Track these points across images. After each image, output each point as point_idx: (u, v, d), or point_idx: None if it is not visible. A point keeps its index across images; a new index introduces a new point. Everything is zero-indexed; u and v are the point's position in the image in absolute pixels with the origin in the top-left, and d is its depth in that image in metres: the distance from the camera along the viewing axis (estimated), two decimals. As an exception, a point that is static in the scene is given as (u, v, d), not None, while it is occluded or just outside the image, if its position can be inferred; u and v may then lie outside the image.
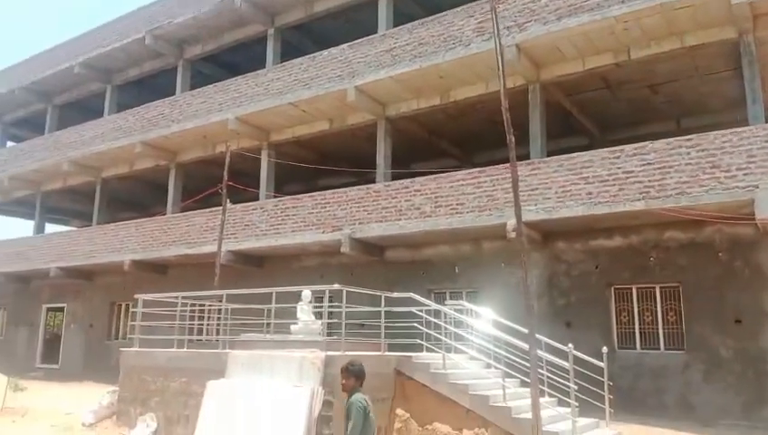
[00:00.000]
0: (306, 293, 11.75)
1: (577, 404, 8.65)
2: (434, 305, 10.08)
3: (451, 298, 14.39)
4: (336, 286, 9.03)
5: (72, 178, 23.12)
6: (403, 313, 10.02)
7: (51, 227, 28.58)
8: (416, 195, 13.79)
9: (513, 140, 7.75)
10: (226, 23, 19.07)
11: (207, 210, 17.75)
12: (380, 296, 9.79)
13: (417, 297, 9.99)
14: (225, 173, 14.68)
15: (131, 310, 11.67)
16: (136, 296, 11.36)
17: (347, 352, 8.93)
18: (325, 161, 19.15)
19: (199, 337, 15.40)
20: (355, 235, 14.50)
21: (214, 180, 20.04)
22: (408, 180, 14.08)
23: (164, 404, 10.12)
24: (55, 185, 23.99)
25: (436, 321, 9.88)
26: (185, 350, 10.50)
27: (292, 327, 11.56)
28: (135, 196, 24.46)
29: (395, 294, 10.14)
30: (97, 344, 21.45)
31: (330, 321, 9.37)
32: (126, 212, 25.62)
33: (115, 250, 19.64)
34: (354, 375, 5.36)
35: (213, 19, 18.91)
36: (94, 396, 14.60)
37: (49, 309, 24.15)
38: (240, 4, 17.71)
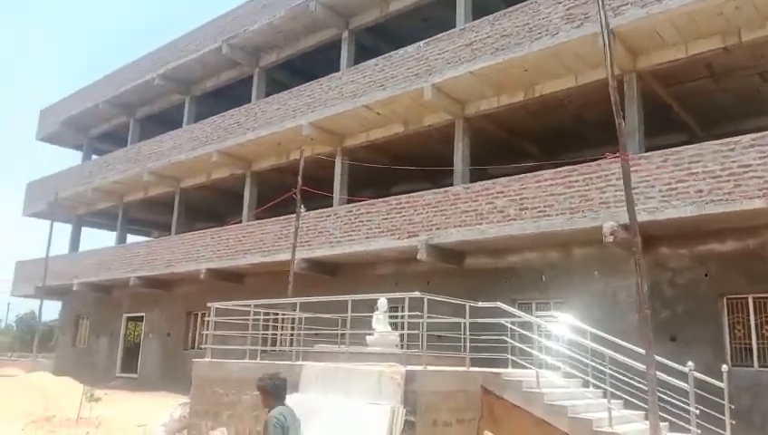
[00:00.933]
0: (382, 301, 11.02)
1: (699, 432, 7.43)
2: (525, 316, 9.08)
3: (537, 309, 13.35)
4: (416, 294, 8.23)
5: (153, 188, 23.50)
6: (486, 324, 9.09)
7: (132, 238, 29.33)
8: (498, 197, 12.83)
9: (623, 123, 6.73)
10: (301, 27, 18.81)
11: (282, 218, 17.39)
12: (463, 306, 8.91)
13: (505, 307, 9.05)
14: (300, 178, 14.21)
15: (206, 319, 11.30)
16: (208, 305, 10.94)
17: (429, 367, 8.11)
18: (399, 166, 18.51)
19: (273, 348, 14.93)
20: (432, 241, 13.67)
21: (287, 188, 19.80)
22: (490, 181, 13.14)
23: (236, 419, 9.58)
24: (137, 196, 24.48)
25: (526, 333, 8.89)
26: (256, 361, 9.94)
27: (368, 338, 10.84)
28: (211, 205, 24.60)
29: (480, 304, 9.22)
30: (174, 354, 21.53)
31: (409, 332, 8.53)
32: (203, 222, 25.79)
33: (192, 259, 19.64)
34: (264, 391, 4.86)
35: (288, 23, 18.68)
36: (168, 407, 14.44)
37: (129, 319, 24.58)
38: (315, 8, 17.39)
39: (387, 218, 14.71)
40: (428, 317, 8.22)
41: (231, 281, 19.58)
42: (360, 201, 15.91)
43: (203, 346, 10.89)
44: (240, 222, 19.52)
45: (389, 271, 15.88)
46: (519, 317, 9.07)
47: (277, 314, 12.60)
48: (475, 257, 14.41)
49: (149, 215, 27.61)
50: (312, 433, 7.57)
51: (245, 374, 9.67)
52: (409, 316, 8.66)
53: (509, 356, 9.05)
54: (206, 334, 10.81)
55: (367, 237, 15.02)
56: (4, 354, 47.36)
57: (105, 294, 24.58)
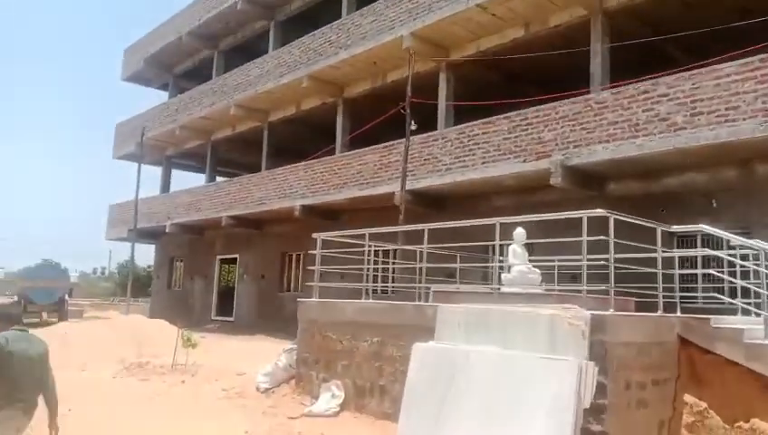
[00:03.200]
0: (520, 232, 8.91)
1: None
2: (751, 242, 6.75)
3: (704, 243, 10.84)
4: (600, 211, 6.08)
5: (240, 123, 22.18)
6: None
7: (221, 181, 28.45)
8: (661, 101, 10.23)
9: None
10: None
11: (381, 146, 15.45)
12: (654, 231, 6.69)
13: (717, 231, 6.72)
14: (408, 89, 12.08)
15: (312, 252, 9.62)
16: (314, 235, 9.25)
17: (618, 312, 6.01)
18: (513, 84, 16.01)
19: (384, 285, 13.17)
20: (569, 161, 11.32)
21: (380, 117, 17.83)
22: (649, 83, 10.51)
23: (353, 370, 7.91)
24: (224, 133, 23.26)
25: (743, 265, 6.58)
26: (378, 301, 8.14)
27: (504, 276, 8.81)
28: (301, 141, 22.90)
29: (675, 228, 6.95)
30: (269, 296, 20.47)
31: (592, 260, 6.27)
32: (292, 160, 24.32)
33: (285, 196, 18.17)
34: None
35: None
36: (267, 353, 13.11)
37: (222, 260, 23.76)
38: None
39: (509, 138, 12.42)
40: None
41: (327, 218, 17.98)
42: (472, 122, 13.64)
43: (308, 284, 9.19)
44: (333, 153, 17.79)
45: (508, 203, 13.60)
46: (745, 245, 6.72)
47: (388, 248, 10.76)
48: (620, 182, 11.95)
49: (237, 155, 26.43)
50: (464, 394, 5.71)
51: (363, 317, 7.95)
52: (592, 242, 6.44)
53: (723, 298, 6.81)
54: (314, 271, 9.10)
55: (483, 162, 12.82)
56: (107, 299, 49.16)
57: (198, 235, 23.80)
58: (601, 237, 6.02)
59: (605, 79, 12.26)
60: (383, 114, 18.18)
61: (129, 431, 7.08)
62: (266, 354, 12.74)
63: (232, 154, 26.23)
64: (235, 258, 22.42)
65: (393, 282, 13.55)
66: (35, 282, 21.25)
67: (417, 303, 7.37)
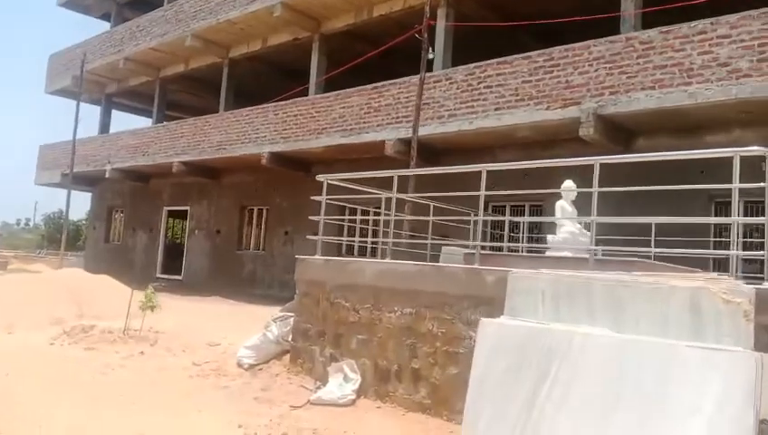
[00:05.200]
0: (569, 184, 7.40)
1: None
2: None
3: (748, 211, 9.68)
4: (756, 149, 4.56)
5: (196, 58, 19.66)
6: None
7: (169, 125, 25.66)
8: (721, 43, 8.79)
9: None
10: None
11: (369, 87, 13.54)
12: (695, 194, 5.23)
13: None
14: (427, 9, 10.18)
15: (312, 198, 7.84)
16: (319, 177, 7.36)
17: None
18: (514, 30, 14.34)
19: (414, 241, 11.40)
20: (604, 110, 9.81)
21: (360, 57, 15.85)
22: (707, 21, 9.02)
23: (373, 347, 6.20)
24: (176, 69, 20.65)
25: None
26: (412, 262, 6.39)
27: (551, 238, 7.30)
28: (265, 84, 20.56)
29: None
30: (225, 254, 18.40)
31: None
32: (253, 105, 22.03)
33: (250, 141, 16.04)
34: None
35: None
36: (235, 319, 11.27)
37: (170, 213, 21.37)
38: None
39: (528, 81, 10.78)
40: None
41: (297, 169, 16.05)
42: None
43: (310, 237, 7.35)
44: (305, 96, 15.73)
45: (516, 157, 12.06)
46: None
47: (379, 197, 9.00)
48: (651, 137, 10.55)
49: (189, 97, 23.82)
50: (568, 391, 4.12)
51: (390, 281, 6.21)
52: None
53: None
54: (318, 221, 7.25)
55: (497, 108, 11.16)
56: (32, 252, 45.51)
57: (143, 183, 21.28)
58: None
59: (637, 22, 10.76)
60: (361, 56, 16.26)
61: (79, 428, 5.17)
62: (234, 320, 10.94)
63: (182, 95, 23.61)
64: (186, 211, 20.11)
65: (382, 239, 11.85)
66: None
67: (472, 267, 5.68)
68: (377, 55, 16.42)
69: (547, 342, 4.55)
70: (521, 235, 11.63)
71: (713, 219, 9.67)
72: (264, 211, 17.73)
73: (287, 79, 19.91)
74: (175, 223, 23.52)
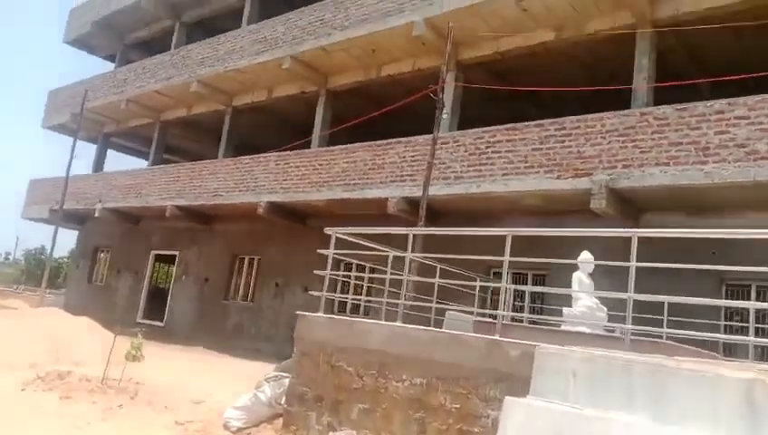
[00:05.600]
0: (587, 256, 7.12)
1: None
2: None
3: (760, 295, 9.46)
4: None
5: (199, 104, 19.57)
6: None
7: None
8: (738, 124, 8.74)
9: None
10: None
11: (375, 143, 13.39)
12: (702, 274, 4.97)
13: None
14: (444, 70, 10.12)
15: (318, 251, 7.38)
16: (327, 231, 7.00)
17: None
18: (516, 99, 14.42)
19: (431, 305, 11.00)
20: (617, 183, 9.65)
21: (364, 116, 15.84)
22: (724, 102, 9.00)
23: (377, 419, 5.73)
24: (178, 113, 20.53)
25: None
26: (425, 328, 5.99)
27: (566, 311, 6.96)
28: (267, 135, 20.48)
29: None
30: (211, 303, 17.79)
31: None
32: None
33: (248, 189, 15.74)
34: None
35: None
36: (223, 374, 10.68)
37: (158, 257, 20.82)
38: None
39: (539, 149, 10.67)
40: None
41: (294, 221, 15.72)
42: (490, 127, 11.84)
43: (313, 292, 6.94)
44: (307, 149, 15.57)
45: (525, 226, 11.84)
46: None
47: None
48: (659, 214, 10.40)
49: (187, 142, 23.69)
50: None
51: (400, 347, 5.80)
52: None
53: None
54: (322, 275, 6.85)
55: (504, 174, 11.00)
56: (10, 287, 44.29)
57: (132, 224, 20.79)
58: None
59: (649, 97, 10.78)
60: (365, 114, 16.27)
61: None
62: (220, 376, 10.35)
63: (181, 140, 23.47)
64: (174, 256, 19.57)
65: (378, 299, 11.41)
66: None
67: (492, 338, 5.30)
68: (380, 114, 16.53)
69: (583, 429, 4.15)
70: (524, 305, 11.28)
71: (747, 303, 9.29)
72: (256, 261, 17.28)
73: (288, 132, 19.82)
74: (160, 267, 22.91)
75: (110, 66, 25.75)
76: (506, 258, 5.59)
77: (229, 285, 17.72)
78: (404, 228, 6.84)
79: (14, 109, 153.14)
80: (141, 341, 8.64)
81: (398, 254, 6.75)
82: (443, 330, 5.66)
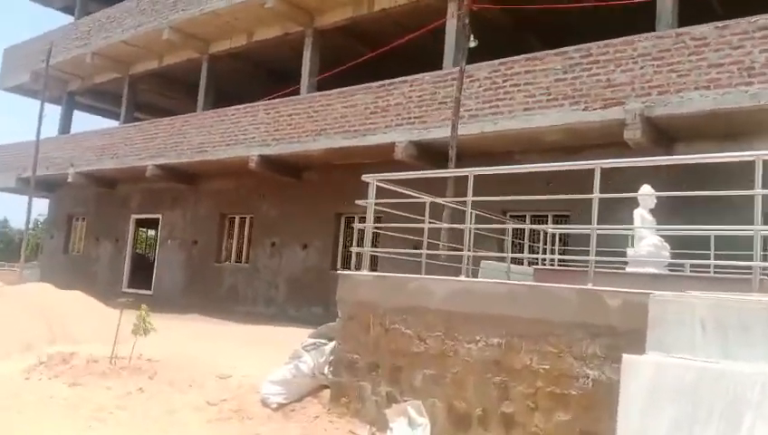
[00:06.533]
0: (647, 189, 6.47)
1: None
2: None
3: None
4: None
5: (172, 54, 18.18)
6: None
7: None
8: (790, 39, 8.05)
9: None
10: None
11: (376, 84, 12.42)
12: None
13: None
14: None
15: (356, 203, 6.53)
16: (366, 178, 6.13)
17: None
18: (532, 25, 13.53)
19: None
20: (653, 111, 8.94)
21: (356, 58, 14.78)
22: (771, 16, 8.27)
23: (447, 385, 5.07)
24: (149, 65, 19.09)
25: None
26: (501, 281, 5.26)
27: (631, 252, 6.33)
28: (248, 86, 19.21)
29: None
30: (202, 267, 16.89)
31: None
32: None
33: (237, 142, 14.68)
34: None
35: None
36: (236, 343, 9.91)
37: (139, 221, 19.70)
38: None
39: (563, 79, 9.86)
40: None
41: (288, 174, 14.78)
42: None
43: (355, 249, 6.12)
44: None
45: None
46: None
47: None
48: (692, 143, 9.73)
49: (161, 98, 22.17)
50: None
51: (469, 304, 5.10)
52: None
53: None
54: (363, 229, 6.03)
55: (525, 109, 10.20)
56: (-26, 261, 42.58)
57: (108, 189, 19.55)
58: None
59: (674, 19, 9.99)
60: (355, 56, 15.22)
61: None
62: (234, 344, 9.61)
63: (153, 96, 21.97)
64: (157, 219, 18.50)
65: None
66: None
67: (587, 288, 4.61)
68: (379, 53, 15.43)
69: (731, 387, 3.51)
70: (545, 247, 10.64)
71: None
72: (248, 220, 16.35)
73: (271, 80, 18.61)
74: (141, 233, 21.83)
75: (65, 18, 23.88)
76: (596, 195, 4.86)
77: (220, 246, 16.81)
78: (464, 169, 6.03)
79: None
80: (146, 312, 7.79)
81: (457, 200, 5.95)
82: (523, 283, 4.96)
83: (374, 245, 12.76)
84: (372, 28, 14.96)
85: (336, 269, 14.24)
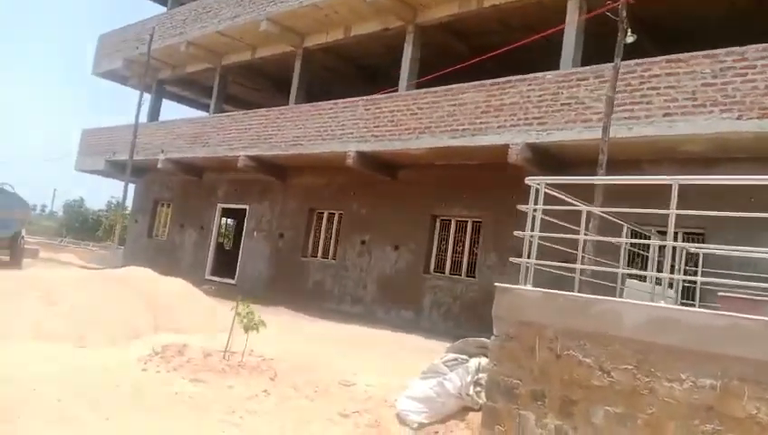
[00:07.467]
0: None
1: None
2: None
3: None
4: None
5: (266, 46, 18.06)
6: None
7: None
8: None
9: None
10: None
11: (489, 82, 11.74)
12: None
13: None
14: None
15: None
16: (529, 181, 5.47)
17: None
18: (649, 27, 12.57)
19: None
20: (823, 124, 7.97)
21: (458, 58, 14.17)
22: None
23: (639, 427, 4.38)
24: (241, 57, 19.02)
25: None
26: (713, 313, 4.53)
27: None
28: (337, 81, 18.95)
29: None
30: (287, 261, 16.62)
31: None
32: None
33: (333, 138, 14.29)
34: None
35: None
36: (343, 342, 9.48)
37: (225, 211, 19.67)
38: None
39: (711, 84, 8.95)
40: None
41: (383, 172, 14.31)
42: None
43: (514, 259, 5.48)
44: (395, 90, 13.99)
45: (674, 174, 10.20)
46: None
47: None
48: None
49: (249, 91, 22.26)
50: None
51: (671, 335, 4.38)
52: None
53: None
54: (525, 237, 5.37)
55: (666, 114, 9.32)
56: (53, 239, 44.13)
57: (195, 177, 19.61)
58: None
59: None
60: (458, 54, 14.64)
61: None
62: (341, 345, 9.16)
63: (240, 89, 22.05)
64: (244, 210, 18.38)
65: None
66: (-14, 210, 16.90)
67: None
68: (469, 55, 14.81)
69: None
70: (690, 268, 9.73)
71: None
72: (337, 216, 15.98)
73: (361, 77, 18.33)
74: (231, 220, 21.87)
75: (160, 10, 24.18)
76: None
77: (307, 241, 16.49)
78: (664, 177, 5.29)
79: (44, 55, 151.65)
80: (249, 305, 7.41)
81: (660, 212, 5.22)
82: (749, 316, 4.24)
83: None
84: (474, 25, 14.37)
85: (429, 273, 13.70)
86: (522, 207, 5.46)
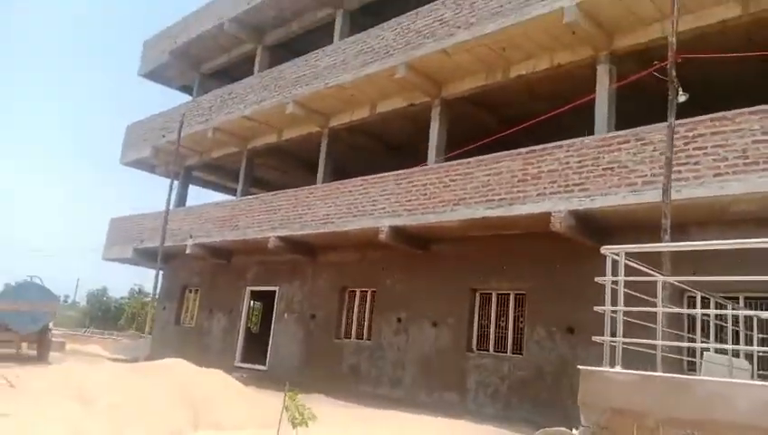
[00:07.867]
0: None
1: None
2: None
3: None
4: None
5: (291, 128, 18.23)
6: None
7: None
8: None
9: None
10: None
11: (525, 150, 11.55)
12: None
13: None
14: (672, 40, 8.26)
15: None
16: (605, 250, 5.07)
17: None
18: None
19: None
20: None
21: (486, 130, 14.13)
22: None
23: None
24: (267, 139, 19.19)
25: None
26: None
27: None
28: (363, 158, 18.92)
29: None
30: (321, 343, 16.09)
31: None
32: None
33: (365, 214, 14.08)
34: None
35: None
36: None
37: (254, 293, 19.33)
38: None
39: (762, 140, 8.64)
40: None
41: (416, 246, 13.98)
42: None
43: (608, 340, 4.99)
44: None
45: (723, 238, 9.74)
46: None
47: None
48: None
49: (275, 173, 22.34)
50: None
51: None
52: None
53: None
54: (606, 311, 4.92)
55: (716, 175, 8.97)
56: (76, 330, 43.81)
57: (224, 260, 19.41)
58: None
59: None
60: (485, 127, 14.64)
61: None
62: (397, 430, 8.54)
63: (266, 171, 22.13)
64: (273, 291, 18.02)
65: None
66: (16, 304, 16.78)
67: None
68: (497, 125, 14.81)
69: None
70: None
71: None
72: (369, 294, 15.54)
73: (388, 153, 18.35)
74: (261, 304, 21.49)
75: (185, 98, 24.83)
76: None
77: (340, 321, 16.00)
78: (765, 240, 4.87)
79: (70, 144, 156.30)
80: (296, 397, 6.93)
81: (760, 278, 4.78)
82: None
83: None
84: (501, 96, 14.38)
85: (472, 351, 13.09)
86: (600, 280, 5.05)
